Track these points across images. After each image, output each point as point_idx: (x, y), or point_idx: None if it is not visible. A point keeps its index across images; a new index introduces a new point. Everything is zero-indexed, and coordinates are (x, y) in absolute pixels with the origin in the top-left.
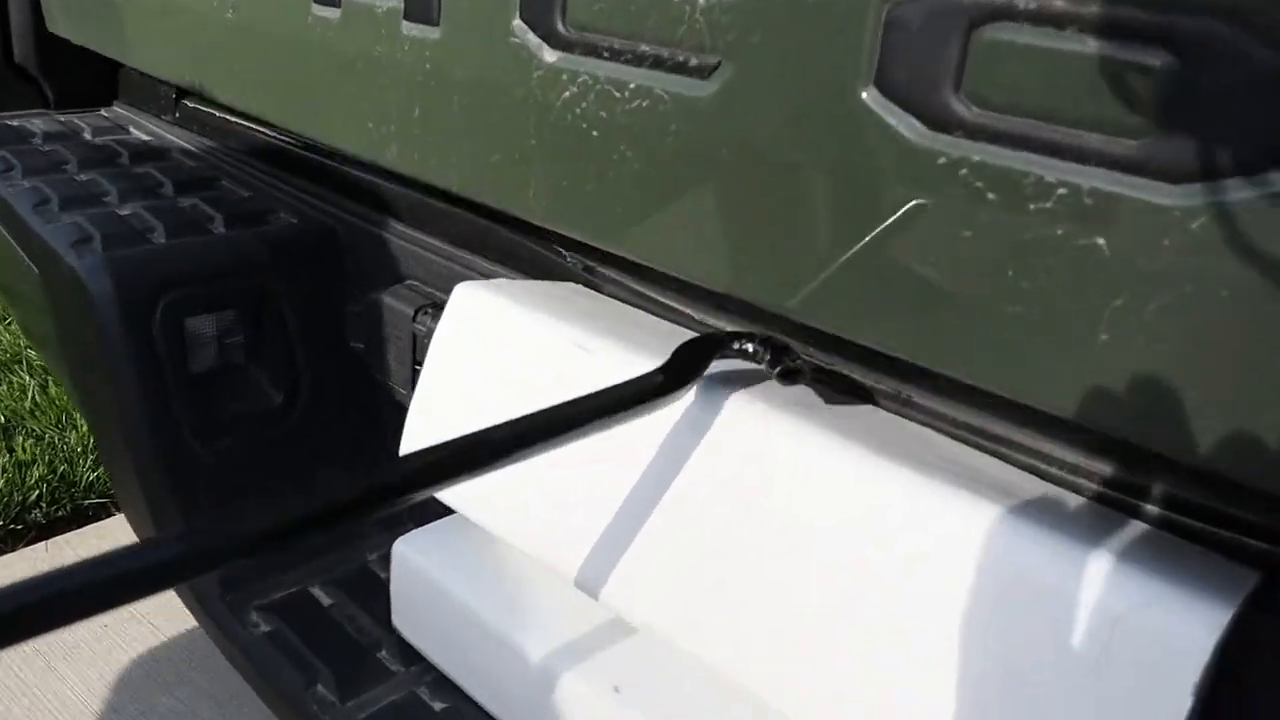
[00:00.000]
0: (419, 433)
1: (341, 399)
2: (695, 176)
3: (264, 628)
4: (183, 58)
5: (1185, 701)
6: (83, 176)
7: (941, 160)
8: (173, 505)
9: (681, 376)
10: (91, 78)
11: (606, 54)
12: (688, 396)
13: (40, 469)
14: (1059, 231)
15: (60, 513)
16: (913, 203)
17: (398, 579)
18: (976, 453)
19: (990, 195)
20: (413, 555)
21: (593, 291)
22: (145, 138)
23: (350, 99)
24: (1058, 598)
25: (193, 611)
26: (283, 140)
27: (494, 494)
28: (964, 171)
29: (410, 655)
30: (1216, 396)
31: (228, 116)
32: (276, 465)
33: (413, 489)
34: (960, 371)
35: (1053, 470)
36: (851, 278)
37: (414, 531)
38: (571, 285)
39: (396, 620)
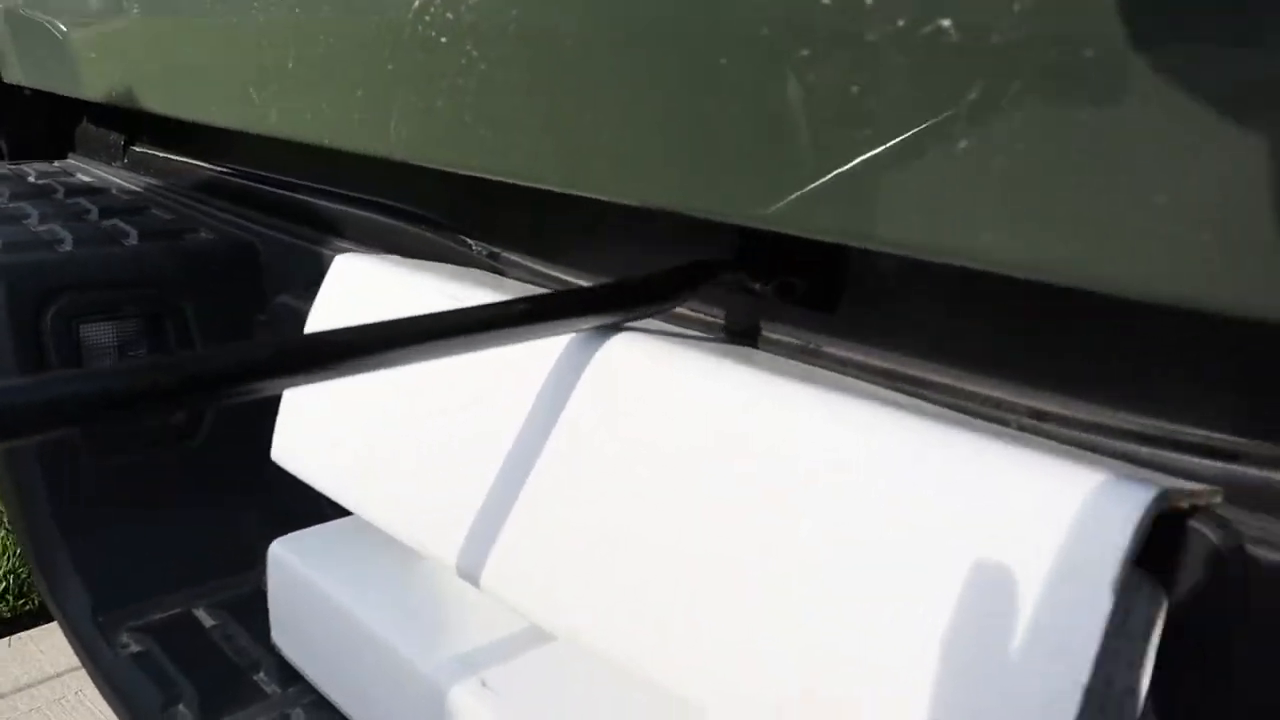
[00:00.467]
0: (295, 401)
1: (253, 419)
2: (544, 69)
3: (133, 648)
4: (107, 72)
5: (1106, 599)
6: (11, 205)
7: None
8: (53, 524)
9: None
10: (47, 131)
11: None
12: (582, 358)
13: (10, 561)
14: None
15: (28, 606)
16: (761, 31)
17: (275, 586)
18: (883, 390)
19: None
20: (290, 558)
21: (487, 273)
22: (87, 179)
23: (237, 70)
24: (964, 499)
25: (62, 630)
26: (217, 170)
27: (378, 480)
28: None
29: (290, 675)
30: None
31: (170, 156)
32: (175, 486)
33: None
34: (814, 226)
35: (986, 410)
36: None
37: (295, 533)
38: (468, 269)
39: (276, 635)
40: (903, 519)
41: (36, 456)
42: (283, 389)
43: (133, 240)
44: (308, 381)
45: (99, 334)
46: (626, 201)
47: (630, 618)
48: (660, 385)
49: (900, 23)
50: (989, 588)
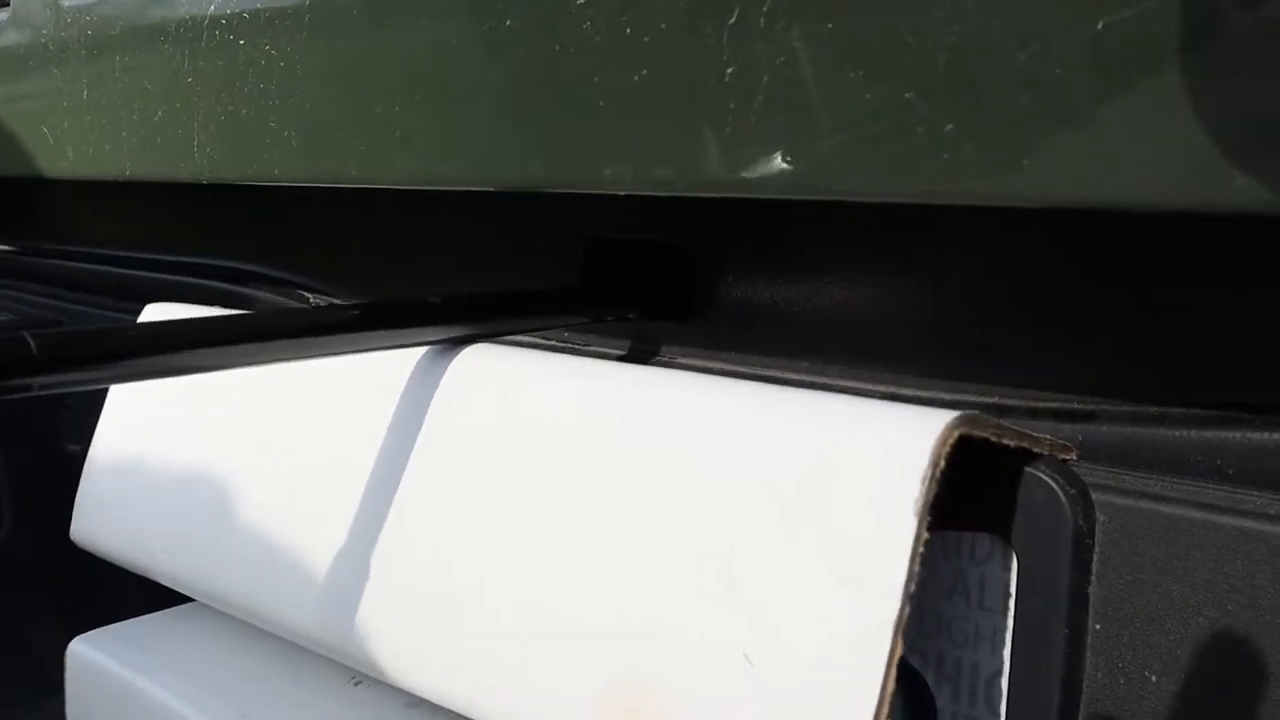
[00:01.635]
0: (97, 469)
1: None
2: (358, 55)
3: None
4: None
5: (910, 522)
6: None
7: None
8: None
9: None
10: None
11: None
12: (413, 386)
13: None
14: None
15: None
16: None
17: (75, 691)
18: None
19: None
20: (94, 655)
21: None
22: None
23: (29, 113)
24: (781, 447)
25: None
26: (15, 251)
27: (196, 546)
28: None
29: None
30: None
31: None
32: None
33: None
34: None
35: None
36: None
37: (98, 630)
38: None
39: None
40: (733, 476)
41: None
42: (73, 386)
43: None
44: (99, 381)
45: None
46: (467, 186)
47: (484, 670)
48: (506, 408)
49: None
50: (799, 526)
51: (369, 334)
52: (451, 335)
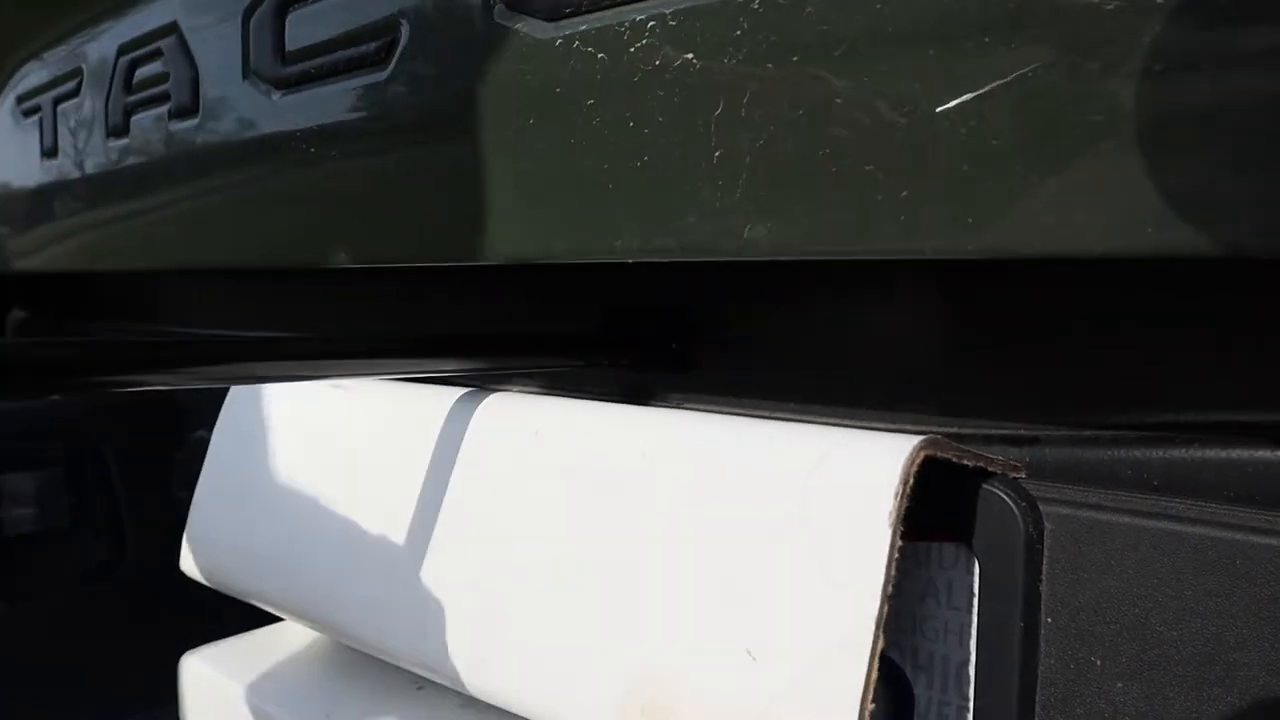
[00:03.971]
0: (202, 508)
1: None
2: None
3: None
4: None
5: (884, 533)
6: None
7: (559, 42)
8: None
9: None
10: None
11: (316, 76)
12: (469, 425)
13: None
14: (659, 62)
15: None
16: (555, 91)
17: (189, 701)
18: None
19: (601, 55)
20: (203, 668)
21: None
22: None
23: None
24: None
25: None
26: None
27: (294, 577)
28: (577, 44)
29: None
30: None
31: None
32: (96, 626)
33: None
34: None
35: None
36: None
37: (207, 645)
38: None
39: None
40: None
41: None
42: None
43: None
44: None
45: (17, 484)
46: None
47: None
48: (541, 445)
49: None
50: (792, 539)
51: (397, 361)
52: (475, 367)
